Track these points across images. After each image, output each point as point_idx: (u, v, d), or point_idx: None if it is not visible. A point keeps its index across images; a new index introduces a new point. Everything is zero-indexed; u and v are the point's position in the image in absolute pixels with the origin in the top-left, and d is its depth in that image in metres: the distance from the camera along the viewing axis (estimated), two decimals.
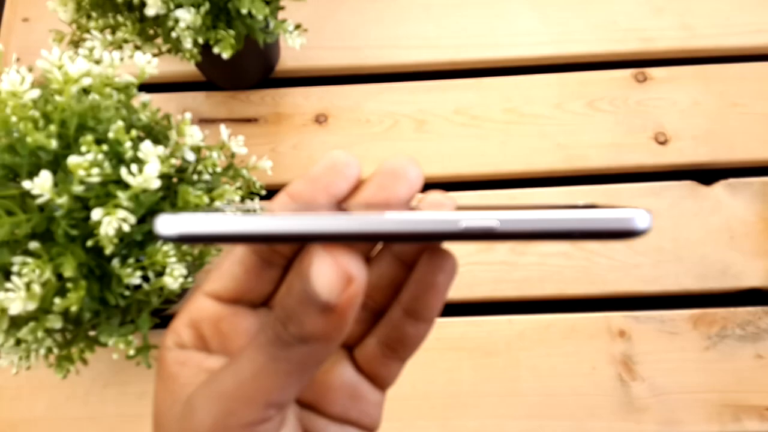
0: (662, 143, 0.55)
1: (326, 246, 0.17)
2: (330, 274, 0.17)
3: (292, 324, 0.17)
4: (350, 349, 0.23)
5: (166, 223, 0.16)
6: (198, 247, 0.39)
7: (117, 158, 0.33)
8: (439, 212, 0.16)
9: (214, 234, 0.16)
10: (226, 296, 0.21)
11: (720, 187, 0.54)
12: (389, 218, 0.16)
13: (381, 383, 0.22)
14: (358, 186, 0.20)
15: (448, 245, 0.20)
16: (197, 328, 0.21)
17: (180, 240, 0.16)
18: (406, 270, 0.21)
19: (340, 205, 0.20)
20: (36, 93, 0.34)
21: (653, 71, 0.58)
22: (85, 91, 0.36)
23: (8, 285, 0.31)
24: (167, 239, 0.16)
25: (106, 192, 0.32)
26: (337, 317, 0.17)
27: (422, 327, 0.21)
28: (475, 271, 0.52)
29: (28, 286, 0.31)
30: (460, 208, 0.19)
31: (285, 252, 0.21)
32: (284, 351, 0.18)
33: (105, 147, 0.32)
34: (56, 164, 0.33)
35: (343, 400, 0.22)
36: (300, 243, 0.17)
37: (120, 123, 0.33)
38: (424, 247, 0.21)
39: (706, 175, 0.55)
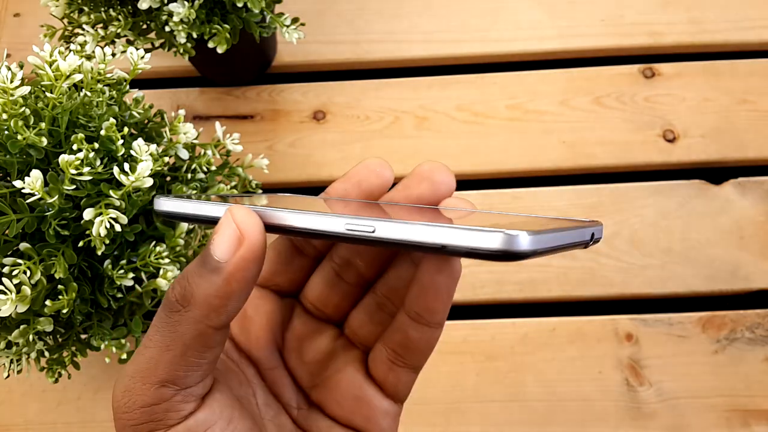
0: (671, 141, 0.54)
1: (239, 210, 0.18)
2: (227, 234, 0.17)
3: (179, 284, 0.18)
4: (366, 353, 0.23)
5: (163, 202, 0.20)
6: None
7: (109, 156, 0.32)
8: (330, 215, 0.17)
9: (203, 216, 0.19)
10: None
11: (729, 187, 0.53)
12: (285, 214, 0.18)
13: (391, 392, 0.22)
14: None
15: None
16: None
17: (175, 218, 0.19)
18: None
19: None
20: (26, 90, 0.33)
21: (661, 67, 0.57)
22: (77, 87, 0.35)
23: None
24: (161, 215, 0.20)
25: (97, 191, 0.32)
26: (225, 280, 0.17)
27: (427, 332, 0.21)
28: (478, 273, 0.50)
29: (18, 287, 0.30)
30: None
31: (317, 243, 0.22)
32: (171, 320, 0.18)
33: (96, 145, 0.31)
34: (47, 162, 0.32)
35: (348, 401, 0.22)
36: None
37: (112, 120, 0.32)
38: None
39: (716, 173, 0.53)
